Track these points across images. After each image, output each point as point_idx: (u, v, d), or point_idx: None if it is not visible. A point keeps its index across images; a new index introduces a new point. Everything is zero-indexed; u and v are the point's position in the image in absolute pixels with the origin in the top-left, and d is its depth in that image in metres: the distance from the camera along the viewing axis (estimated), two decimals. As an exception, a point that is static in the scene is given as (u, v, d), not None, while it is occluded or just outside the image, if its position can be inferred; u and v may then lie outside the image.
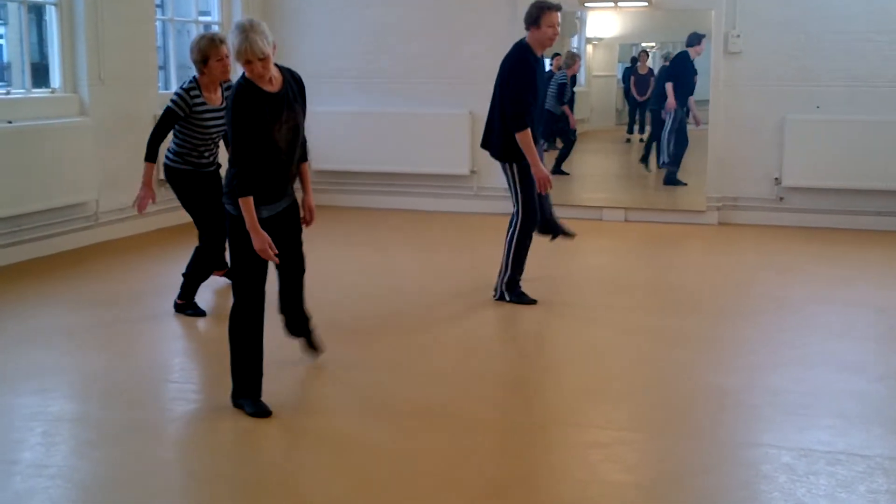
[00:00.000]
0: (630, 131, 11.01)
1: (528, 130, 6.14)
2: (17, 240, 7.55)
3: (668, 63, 10.22)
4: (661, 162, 10.26)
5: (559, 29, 6.25)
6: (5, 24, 9.90)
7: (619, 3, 9.51)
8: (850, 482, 3.80)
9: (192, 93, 5.95)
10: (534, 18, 6.17)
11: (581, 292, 7.00)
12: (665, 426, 4.45)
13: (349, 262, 7.82)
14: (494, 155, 6.40)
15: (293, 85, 4.55)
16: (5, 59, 10.18)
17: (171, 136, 6.10)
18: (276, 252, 4.44)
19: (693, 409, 4.66)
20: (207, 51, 5.89)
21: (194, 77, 6.01)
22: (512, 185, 6.34)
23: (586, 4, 9.53)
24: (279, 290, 4.93)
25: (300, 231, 4.83)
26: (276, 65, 4.43)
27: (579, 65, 10.24)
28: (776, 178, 9.41)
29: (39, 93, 8.09)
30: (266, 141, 4.39)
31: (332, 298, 6.50)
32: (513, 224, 6.39)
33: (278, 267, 4.77)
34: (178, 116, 5.96)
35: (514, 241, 6.38)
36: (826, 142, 9.20)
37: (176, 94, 5.97)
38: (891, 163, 9.02)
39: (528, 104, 6.13)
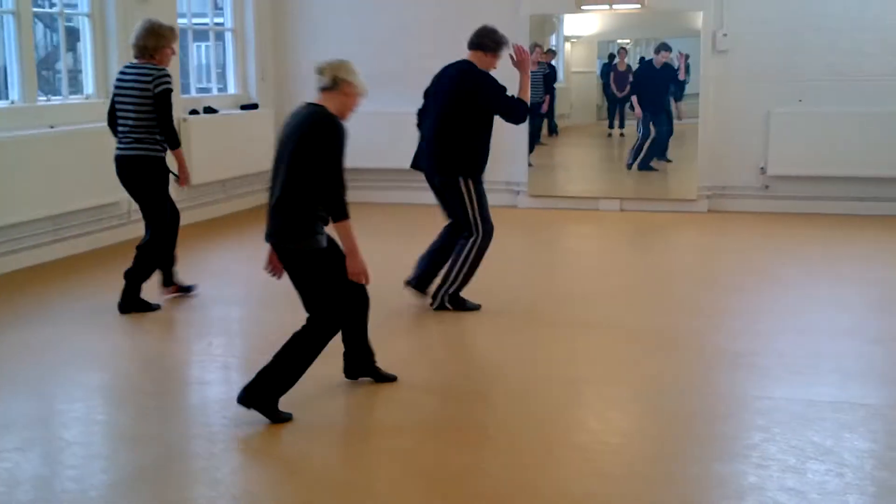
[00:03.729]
0: (611, 126, 11.41)
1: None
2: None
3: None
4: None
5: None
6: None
7: (614, 6, 10.03)
8: (853, 425, 4.38)
9: None
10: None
11: (590, 275, 7.55)
12: (686, 384, 5.02)
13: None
14: (444, 172, 6.17)
15: None
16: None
17: (137, 123, 6.13)
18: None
19: (710, 369, 5.24)
20: (174, 39, 6.22)
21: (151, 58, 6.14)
22: (467, 201, 6.14)
23: (583, 7, 10.06)
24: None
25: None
26: None
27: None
28: (762, 168, 10.00)
29: (74, 99, 8.55)
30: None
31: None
32: (470, 241, 6.17)
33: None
34: None
35: (470, 258, 6.18)
36: (808, 133, 9.79)
37: (166, 75, 6.08)
38: (868, 151, 9.63)
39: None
